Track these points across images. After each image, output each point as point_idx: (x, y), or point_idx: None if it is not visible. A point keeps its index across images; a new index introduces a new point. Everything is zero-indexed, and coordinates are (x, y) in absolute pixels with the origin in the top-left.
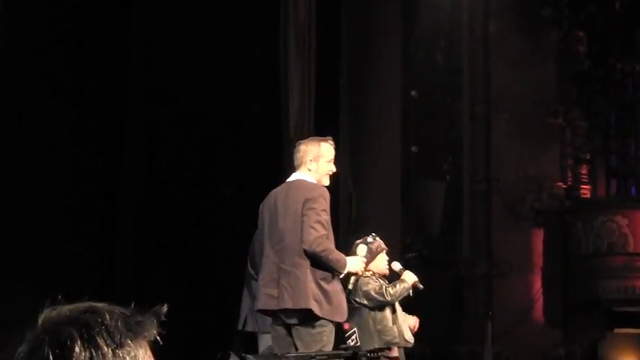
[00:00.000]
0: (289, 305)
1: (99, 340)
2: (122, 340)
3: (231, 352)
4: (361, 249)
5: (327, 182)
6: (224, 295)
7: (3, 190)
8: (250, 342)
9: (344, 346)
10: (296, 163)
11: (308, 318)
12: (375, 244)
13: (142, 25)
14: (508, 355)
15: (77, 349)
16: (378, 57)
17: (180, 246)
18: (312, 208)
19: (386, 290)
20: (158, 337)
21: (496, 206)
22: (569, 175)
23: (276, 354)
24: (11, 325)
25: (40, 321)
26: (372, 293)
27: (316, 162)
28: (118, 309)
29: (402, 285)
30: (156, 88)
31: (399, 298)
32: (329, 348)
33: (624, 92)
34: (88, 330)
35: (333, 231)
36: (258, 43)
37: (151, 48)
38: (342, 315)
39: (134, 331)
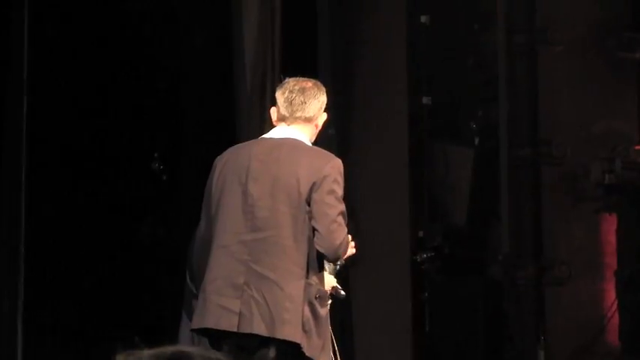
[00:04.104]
0: (261, 331)
1: None
2: None
3: None
4: None
5: None
6: (153, 317)
7: None
8: None
9: None
10: (300, 114)
11: (284, 356)
12: None
13: None
14: None
15: None
16: None
17: (89, 245)
18: (333, 192)
19: None
20: None
21: (548, 181)
22: None
23: None
24: None
25: None
26: None
27: (322, 118)
28: (214, 355)
29: None
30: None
31: None
32: None
33: None
34: None
35: None
36: None
37: None
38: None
39: None
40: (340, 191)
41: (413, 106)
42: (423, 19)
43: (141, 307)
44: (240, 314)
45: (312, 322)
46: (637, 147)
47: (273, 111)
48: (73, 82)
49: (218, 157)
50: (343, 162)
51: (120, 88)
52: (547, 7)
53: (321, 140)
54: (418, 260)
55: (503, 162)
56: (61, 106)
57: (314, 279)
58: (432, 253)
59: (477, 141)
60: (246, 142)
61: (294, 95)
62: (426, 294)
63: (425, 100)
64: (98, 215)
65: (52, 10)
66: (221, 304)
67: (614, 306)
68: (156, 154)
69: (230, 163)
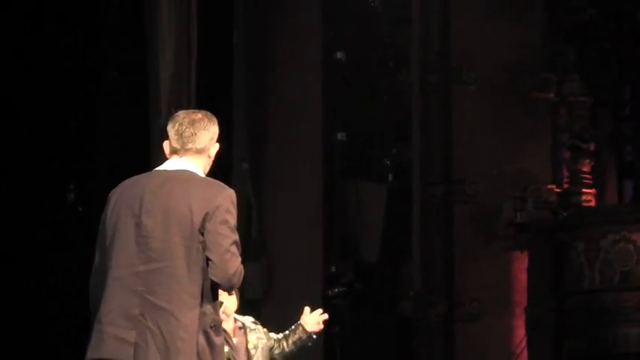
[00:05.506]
0: None
1: None
2: None
3: None
4: None
5: None
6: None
7: None
8: None
9: None
10: (191, 146)
11: None
12: None
13: None
14: None
15: None
16: (289, 4)
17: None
18: (226, 222)
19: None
20: None
21: (460, 219)
22: (565, 173)
23: None
24: None
25: None
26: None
27: (214, 149)
28: None
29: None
30: None
31: None
32: None
33: None
34: None
35: None
36: None
37: None
38: None
39: None
40: (233, 221)
41: (327, 141)
42: (339, 55)
43: (51, 340)
44: (135, 345)
45: (207, 350)
46: (549, 186)
47: (165, 144)
48: None
49: (113, 190)
50: (257, 196)
51: (34, 119)
52: (462, 46)
53: (234, 175)
54: (330, 295)
55: (416, 199)
56: None
57: (208, 308)
58: (344, 289)
59: (390, 178)
60: (140, 175)
61: (184, 127)
62: (337, 329)
63: (339, 136)
64: (14, 246)
65: None
66: (116, 335)
67: (523, 343)
68: (71, 185)
69: (124, 195)
